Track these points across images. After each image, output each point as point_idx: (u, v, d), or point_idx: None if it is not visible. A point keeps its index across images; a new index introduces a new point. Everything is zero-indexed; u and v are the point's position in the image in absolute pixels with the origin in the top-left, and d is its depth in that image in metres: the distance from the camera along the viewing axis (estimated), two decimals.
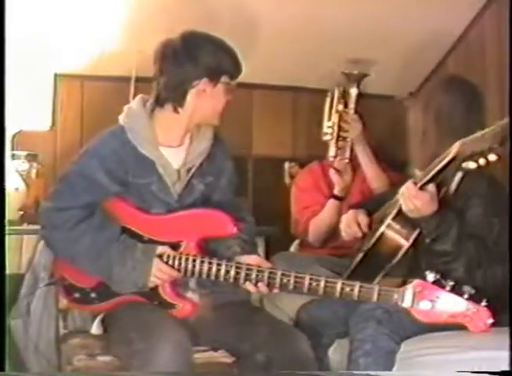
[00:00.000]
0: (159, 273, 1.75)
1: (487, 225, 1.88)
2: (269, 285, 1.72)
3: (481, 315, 1.62)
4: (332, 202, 2.62)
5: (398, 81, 3.16)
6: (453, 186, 1.86)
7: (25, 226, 2.54)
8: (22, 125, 2.74)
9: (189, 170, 1.87)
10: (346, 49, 2.93)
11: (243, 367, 1.82)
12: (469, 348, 1.74)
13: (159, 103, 1.85)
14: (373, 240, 1.99)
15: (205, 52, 1.79)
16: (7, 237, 1.70)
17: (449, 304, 1.63)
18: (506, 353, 1.59)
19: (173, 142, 1.86)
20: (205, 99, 1.82)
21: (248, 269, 1.72)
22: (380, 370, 1.76)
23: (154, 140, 1.83)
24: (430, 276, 1.64)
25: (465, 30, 2.91)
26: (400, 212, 1.90)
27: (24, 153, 2.76)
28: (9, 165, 2.60)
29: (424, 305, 1.63)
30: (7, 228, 1.78)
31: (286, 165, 3.11)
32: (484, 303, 1.61)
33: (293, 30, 2.81)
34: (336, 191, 2.62)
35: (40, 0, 2.50)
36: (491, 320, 1.62)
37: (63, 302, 1.98)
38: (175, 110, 1.83)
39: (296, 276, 1.70)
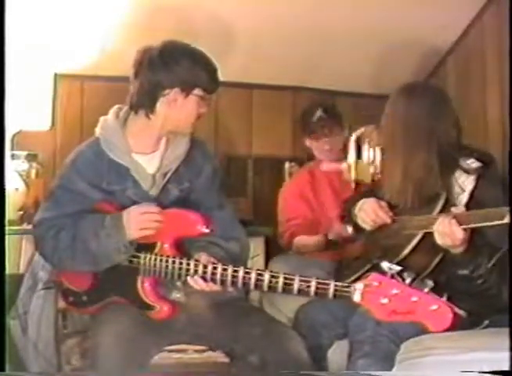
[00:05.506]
0: (142, 218, 1.73)
1: (503, 236, 1.85)
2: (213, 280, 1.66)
3: (443, 312, 1.43)
4: (322, 239, 2.53)
5: (398, 80, 3.16)
6: None
7: (25, 226, 2.54)
8: (22, 125, 2.74)
9: (165, 174, 1.88)
10: (346, 50, 2.94)
11: (238, 368, 1.82)
12: (469, 349, 1.73)
13: (132, 108, 1.87)
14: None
15: (181, 63, 1.79)
16: (7, 237, 1.70)
17: (408, 299, 1.44)
18: (507, 354, 1.59)
19: (146, 149, 1.88)
20: (176, 109, 1.83)
21: (215, 268, 1.65)
22: (380, 371, 1.76)
23: (127, 147, 1.86)
24: (387, 268, 1.48)
25: (465, 30, 2.91)
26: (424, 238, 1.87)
27: (24, 153, 2.76)
28: (9, 165, 2.60)
29: (380, 300, 1.46)
30: (7, 228, 1.78)
31: (287, 165, 3.10)
32: (445, 298, 1.45)
33: (293, 30, 2.81)
34: (330, 236, 2.51)
35: (40, 0, 2.50)
36: (451, 316, 1.44)
37: (62, 303, 1.99)
38: (147, 117, 1.85)
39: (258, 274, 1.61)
